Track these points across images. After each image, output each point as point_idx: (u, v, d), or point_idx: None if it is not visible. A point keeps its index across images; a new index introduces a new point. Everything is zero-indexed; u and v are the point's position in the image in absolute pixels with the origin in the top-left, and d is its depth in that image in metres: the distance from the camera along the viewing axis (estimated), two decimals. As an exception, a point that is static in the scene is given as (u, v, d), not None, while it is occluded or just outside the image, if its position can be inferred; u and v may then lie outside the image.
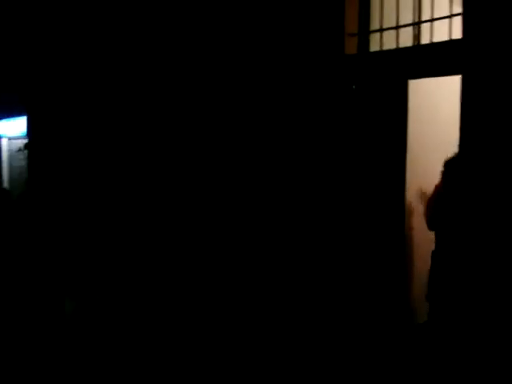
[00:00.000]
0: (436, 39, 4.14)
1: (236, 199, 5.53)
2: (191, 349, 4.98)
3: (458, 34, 3.94)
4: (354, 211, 4.73)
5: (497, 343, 3.67)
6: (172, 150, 6.35)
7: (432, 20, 4.18)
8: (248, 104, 5.39)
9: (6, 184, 12.42)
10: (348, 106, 4.67)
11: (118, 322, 5.76)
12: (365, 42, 4.67)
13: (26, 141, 10.30)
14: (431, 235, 4.79)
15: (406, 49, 4.34)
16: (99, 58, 7.46)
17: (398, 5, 4.41)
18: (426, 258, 4.73)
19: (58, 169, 8.52)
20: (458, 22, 3.95)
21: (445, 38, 4.05)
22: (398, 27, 4.42)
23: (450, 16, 4.04)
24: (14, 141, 12.13)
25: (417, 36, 4.49)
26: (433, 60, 4.10)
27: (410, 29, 4.43)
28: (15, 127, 11.64)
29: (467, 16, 3.81)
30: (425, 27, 4.34)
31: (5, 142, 12.47)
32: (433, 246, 4.74)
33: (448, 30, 4.05)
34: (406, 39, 4.45)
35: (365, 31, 4.65)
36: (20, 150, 11.21)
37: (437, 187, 4.76)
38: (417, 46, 4.35)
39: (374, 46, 4.59)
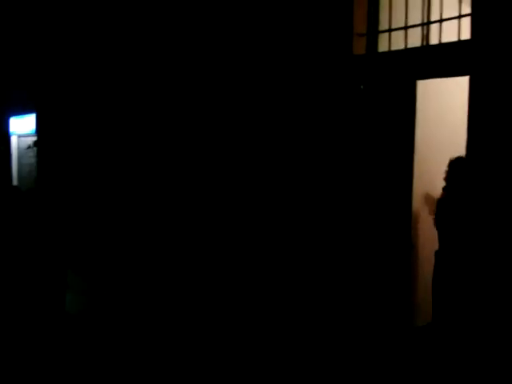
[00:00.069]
0: (445, 40, 4.14)
1: (242, 199, 5.54)
2: (193, 347, 4.98)
3: (466, 34, 3.93)
4: (361, 210, 4.73)
5: (498, 341, 3.67)
6: (179, 146, 6.37)
7: (441, 21, 4.18)
8: (257, 103, 5.40)
9: (15, 181, 12.48)
10: (356, 105, 4.67)
11: (120, 319, 5.79)
12: (373, 42, 4.66)
13: (35, 138, 10.36)
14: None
15: (415, 49, 4.34)
16: (107, 57, 7.49)
17: (407, 5, 4.40)
18: (431, 259, 4.72)
19: (67, 165, 8.57)
20: (466, 22, 3.95)
21: (453, 38, 4.05)
22: (406, 27, 4.42)
23: (459, 17, 4.03)
24: (23, 138, 12.18)
25: (425, 36, 4.49)
26: (441, 60, 4.09)
27: (419, 29, 4.43)
28: (25, 125, 11.69)
29: (476, 17, 3.80)
30: (433, 28, 4.33)
31: (14, 139, 12.53)
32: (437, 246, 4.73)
33: (457, 30, 4.04)
34: (414, 40, 4.45)
35: (373, 31, 4.65)
36: (29, 147, 11.28)
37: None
38: (425, 47, 4.34)
39: (383, 47, 4.59)
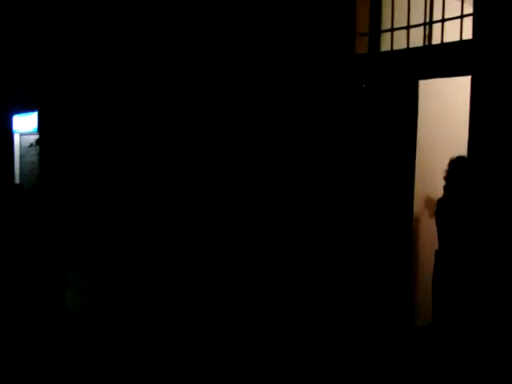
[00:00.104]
0: (447, 39, 4.14)
1: (243, 199, 5.54)
2: (193, 346, 4.99)
3: (468, 34, 3.93)
4: (362, 210, 4.74)
5: (498, 341, 3.67)
6: (181, 145, 6.38)
7: (443, 20, 4.18)
8: (259, 102, 5.40)
9: (17, 179, 12.49)
10: (358, 105, 4.67)
11: (121, 317, 5.79)
12: (376, 41, 4.67)
13: (37, 136, 10.38)
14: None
15: (417, 49, 4.34)
16: (109, 56, 7.50)
17: (409, 5, 4.40)
18: (431, 259, 4.72)
19: (69, 163, 8.58)
20: (469, 22, 3.95)
21: (456, 38, 4.05)
22: (408, 27, 4.42)
23: (461, 16, 4.03)
24: (25, 136, 12.19)
25: (428, 36, 4.49)
26: (443, 60, 4.09)
27: (421, 29, 4.43)
28: (27, 123, 11.70)
29: (478, 16, 3.80)
30: (436, 27, 4.33)
31: (17, 137, 12.54)
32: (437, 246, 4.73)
33: (459, 30, 4.04)
34: (416, 39, 4.45)
35: (376, 31, 4.65)
36: (31, 145, 11.29)
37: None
38: (427, 46, 4.35)
39: (385, 46, 4.59)
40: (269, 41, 5.27)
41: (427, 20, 4.39)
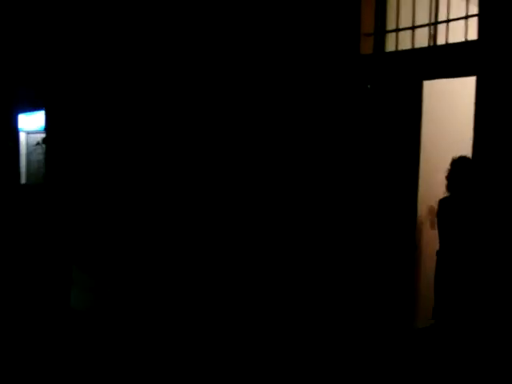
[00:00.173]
0: (452, 40, 4.14)
1: (247, 199, 5.55)
2: (197, 346, 5.00)
3: (473, 34, 3.94)
4: (366, 210, 4.74)
5: (500, 344, 3.67)
6: (188, 146, 6.40)
7: (448, 21, 4.18)
8: (264, 102, 5.41)
9: (23, 177, 12.54)
10: (362, 105, 4.67)
11: (126, 316, 5.81)
12: (381, 42, 4.67)
13: (43, 135, 10.41)
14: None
15: (422, 49, 4.34)
16: (116, 56, 7.53)
17: (414, 5, 4.40)
18: (434, 260, 4.72)
19: (75, 162, 8.61)
20: (474, 22, 3.95)
21: (461, 38, 4.05)
22: (413, 27, 4.42)
23: (466, 17, 4.03)
24: (32, 135, 12.25)
25: (432, 36, 4.49)
26: (448, 61, 4.09)
27: (426, 29, 4.42)
28: (33, 122, 11.75)
29: (483, 17, 3.80)
30: (441, 28, 4.33)
31: (23, 136, 12.60)
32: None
33: (464, 30, 4.04)
34: (421, 40, 4.45)
35: (381, 31, 4.66)
36: (38, 144, 11.34)
37: None
38: (432, 47, 4.34)
39: (390, 46, 4.59)
40: (274, 41, 5.28)
41: (432, 20, 4.39)
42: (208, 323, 5.45)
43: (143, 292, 6.43)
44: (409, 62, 4.39)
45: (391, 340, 4.66)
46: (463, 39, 4.02)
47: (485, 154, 3.81)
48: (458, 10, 4.13)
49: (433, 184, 4.75)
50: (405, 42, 4.46)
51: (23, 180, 12.45)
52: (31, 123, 11.95)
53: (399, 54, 4.47)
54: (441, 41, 4.28)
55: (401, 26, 4.50)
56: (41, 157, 11.20)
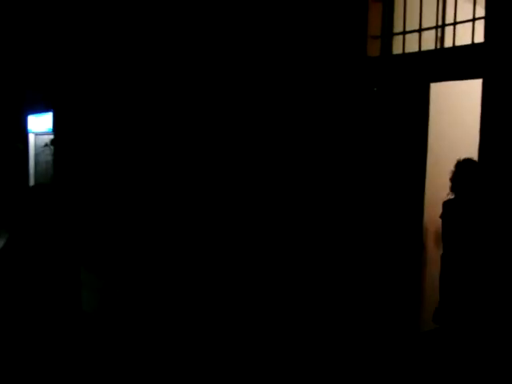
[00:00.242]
0: (459, 42, 4.14)
1: (253, 201, 5.58)
2: (204, 347, 5.03)
3: (480, 37, 3.94)
4: (373, 212, 4.75)
5: (503, 346, 3.67)
6: (196, 147, 6.42)
7: (454, 23, 4.18)
8: (270, 104, 5.43)
9: (32, 178, 12.62)
10: (369, 108, 4.68)
11: (136, 317, 5.84)
12: (387, 44, 4.68)
13: (52, 136, 10.48)
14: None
15: (428, 52, 4.35)
16: (124, 58, 7.57)
17: (422, 8, 4.41)
18: (439, 263, 4.71)
19: (83, 163, 8.65)
20: (481, 25, 3.95)
21: (467, 41, 4.05)
22: (420, 30, 4.42)
23: (473, 20, 4.03)
24: (40, 136, 12.33)
25: (440, 39, 4.50)
26: (455, 63, 4.09)
27: (433, 32, 4.43)
28: (42, 123, 11.83)
29: (490, 20, 3.81)
30: (448, 30, 4.34)
31: (32, 137, 12.68)
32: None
33: (471, 33, 4.05)
34: (428, 42, 4.45)
35: (388, 34, 4.67)
36: (46, 145, 11.41)
37: None
38: (439, 50, 4.36)
39: (397, 49, 4.60)
40: (281, 43, 5.30)
41: (439, 23, 4.40)
42: (216, 324, 5.47)
43: (151, 292, 6.46)
44: (416, 64, 4.40)
45: (396, 343, 4.66)
46: (470, 42, 4.02)
47: (491, 156, 3.82)
48: (464, 13, 4.13)
49: (440, 186, 4.75)
50: (412, 45, 4.47)
51: (31, 181, 12.53)
52: (40, 125, 12.03)
53: (406, 57, 4.48)
54: (448, 43, 4.29)
55: (408, 29, 4.50)
56: (49, 158, 11.27)
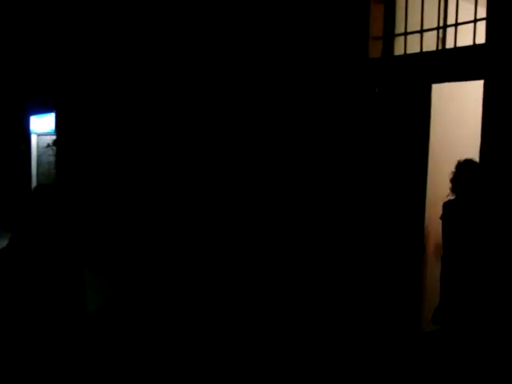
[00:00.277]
0: (460, 43, 4.14)
1: (256, 202, 5.59)
2: (208, 348, 5.03)
3: (482, 38, 3.94)
4: (374, 213, 4.76)
5: (505, 347, 3.67)
6: (200, 149, 6.43)
7: (456, 24, 4.18)
8: (273, 106, 5.44)
9: (34, 179, 12.63)
10: (371, 109, 4.69)
11: (138, 318, 5.85)
12: (389, 45, 4.68)
13: (54, 137, 10.50)
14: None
15: (430, 53, 4.35)
16: (127, 61, 7.58)
17: (423, 9, 4.41)
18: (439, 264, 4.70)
19: (85, 164, 8.67)
20: (482, 26, 3.96)
21: (469, 42, 4.06)
22: (422, 31, 4.43)
23: (475, 21, 4.04)
24: (42, 137, 12.34)
25: (441, 40, 4.50)
26: (456, 64, 4.10)
27: (435, 33, 4.44)
28: (44, 124, 11.84)
29: (491, 21, 3.81)
30: (449, 31, 4.34)
31: (34, 138, 12.69)
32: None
33: (472, 34, 4.05)
34: (430, 43, 4.46)
35: (389, 35, 4.67)
36: (48, 146, 11.43)
37: None
38: (440, 51, 4.36)
39: (399, 50, 4.61)
40: (284, 45, 5.31)
41: (441, 24, 4.40)
42: (217, 322, 5.48)
43: (154, 292, 6.47)
44: (417, 65, 4.41)
45: (397, 343, 4.66)
46: (471, 43, 4.02)
47: (492, 156, 3.82)
48: (466, 14, 4.13)
49: (441, 187, 4.74)
50: (413, 46, 4.47)
51: (34, 181, 12.54)
52: (42, 125, 12.04)
53: (408, 58, 4.49)
54: (449, 44, 4.29)
55: (409, 30, 4.51)
56: (51, 158, 11.29)
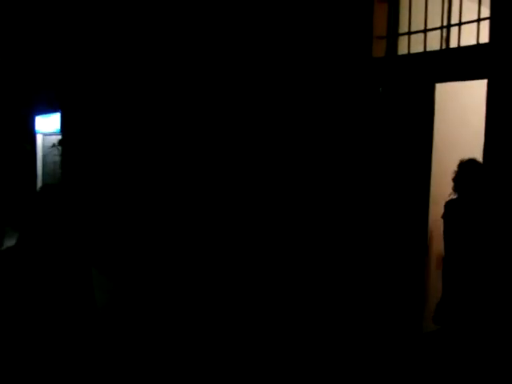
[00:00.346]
0: (464, 43, 4.15)
1: (258, 202, 5.60)
2: (210, 347, 5.06)
3: (485, 37, 3.95)
4: (378, 212, 4.77)
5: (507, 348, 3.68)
6: (205, 149, 6.45)
7: (459, 24, 4.19)
8: (277, 105, 5.46)
9: (39, 179, 12.68)
10: (374, 108, 4.70)
11: (143, 316, 5.88)
12: (393, 45, 4.69)
13: (59, 137, 10.54)
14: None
15: (434, 52, 4.36)
16: (132, 61, 7.61)
17: (427, 8, 4.42)
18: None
19: (91, 164, 8.70)
20: (486, 26, 3.97)
21: (473, 41, 4.07)
22: (425, 30, 4.44)
23: (478, 20, 4.05)
24: (48, 137, 12.39)
25: (445, 39, 4.50)
26: (460, 64, 4.10)
27: (438, 32, 4.45)
28: (49, 124, 11.89)
29: (495, 20, 3.82)
30: (453, 31, 4.35)
31: (40, 138, 12.75)
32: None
33: (476, 33, 4.06)
34: (434, 43, 4.46)
35: (393, 34, 4.68)
36: (54, 145, 11.48)
37: None
38: (444, 50, 4.36)
39: (402, 50, 4.62)
40: (288, 44, 5.32)
41: (444, 23, 4.41)
42: (219, 321, 5.50)
43: (156, 290, 6.50)
44: (421, 64, 4.41)
45: (398, 343, 4.66)
46: (475, 42, 4.03)
47: (496, 156, 3.83)
48: (470, 13, 4.14)
49: (445, 186, 4.76)
50: (417, 45, 4.48)
51: (39, 181, 12.59)
52: (47, 125, 12.09)
53: (411, 57, 4.49)
54: (453, 44, 4.30)
55: (413, 29, 4.51)
56: (56, 158, 11.34)
